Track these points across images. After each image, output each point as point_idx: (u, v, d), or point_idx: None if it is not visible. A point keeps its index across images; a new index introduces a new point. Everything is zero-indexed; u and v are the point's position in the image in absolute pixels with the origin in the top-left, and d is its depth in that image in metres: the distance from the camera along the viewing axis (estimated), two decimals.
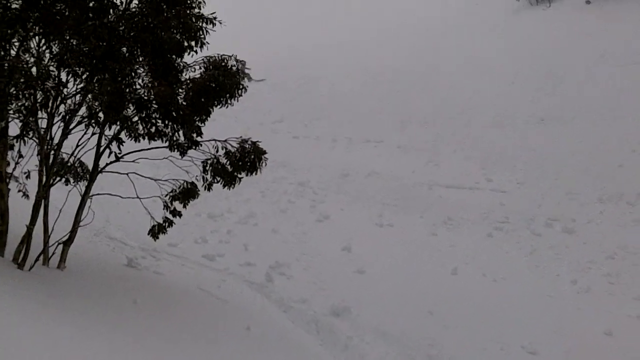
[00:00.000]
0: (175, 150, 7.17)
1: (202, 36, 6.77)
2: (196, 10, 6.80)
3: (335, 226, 12.15)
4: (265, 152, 7.25)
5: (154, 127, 6.79)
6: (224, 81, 6.85)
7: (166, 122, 6.86)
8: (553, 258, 10.82)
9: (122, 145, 6.96)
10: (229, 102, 7.03)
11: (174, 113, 6.73)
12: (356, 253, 10.86)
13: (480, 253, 11.06)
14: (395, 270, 10.35)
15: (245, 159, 7.18)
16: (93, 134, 6.98)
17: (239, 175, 7.32)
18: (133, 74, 6.64)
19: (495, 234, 11.86)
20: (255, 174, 7.34)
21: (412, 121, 20.57)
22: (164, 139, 6.99)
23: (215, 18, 6.86)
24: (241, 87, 7.02)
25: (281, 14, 36.61)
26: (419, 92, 23.83)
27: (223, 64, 6.91)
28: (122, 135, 7.01)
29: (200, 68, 6.98)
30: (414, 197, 13.99)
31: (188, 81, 6.89)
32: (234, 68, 6.99)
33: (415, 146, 18.12)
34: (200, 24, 6.75)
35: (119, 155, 7.01)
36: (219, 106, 7.10)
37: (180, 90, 6.83)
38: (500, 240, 11.63)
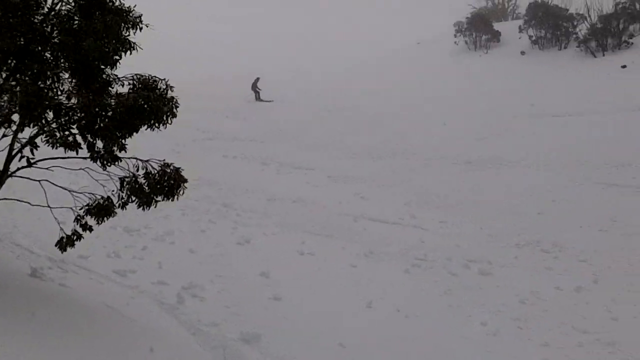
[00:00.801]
0: (97, 162, 6.93)
1: (129, 47, 6.59)
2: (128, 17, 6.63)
3: (255, 250, 11.99)
4: (186, 180, 7.09)
5: (71, 137, 6.51)
6: (159, 105, 6.66)
7: (87, 133, 6.61)
8: (467, 299, 10.92)
9: (36, 150, 6.67)
10: (158, 127, 6.84)
11: (98, 125, 6.50)
12: (274, 279, 10.73)
13: (396, 288, 11.07)
14: (312, 300, 10.26)
15: (164, 183, 7.00)
16: (4, 135, 6.68)
17: (156, 199, 7.13)
18: (55, 77, 6.40)
19: (412, 270, 11.94)
20: (172, 200, 7.17)
21: (345, 153, 20.79)
22: (85, 149, 6.74)
23: (141, 21, 6.69)
24: (174, 115, 6.87)
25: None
26: (356, 127, 24.20)
27: (153, 85, 6.73)
28: (39, 140, 6.73)
29: (129, 84, 6.79)
30: (338, 227, 13.99)
31: (116, 95, 6.67)
32: (165, 91, 6.83)
33: (345, 177, 18.25)
34: (127, 34, 6.57)
35: (32, 161, 6.72)
36: (145, 127, 6.91)
37: (110, 102, 6.60)
38: (417, 276, 11.70)
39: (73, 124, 6.49)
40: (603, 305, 10.81)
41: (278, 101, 30.42)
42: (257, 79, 31.94)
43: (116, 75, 6.83)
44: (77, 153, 6.56)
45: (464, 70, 32.62)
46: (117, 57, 6.67)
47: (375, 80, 31.77)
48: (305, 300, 10.19)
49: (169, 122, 6.83)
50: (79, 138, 6.57)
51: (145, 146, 7.73)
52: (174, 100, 6.81)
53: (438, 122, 24.75)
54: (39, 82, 6.23)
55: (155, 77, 6.85)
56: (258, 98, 31.46)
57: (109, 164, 6.90)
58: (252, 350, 8.29)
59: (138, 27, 6.72)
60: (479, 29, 36.14)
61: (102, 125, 6.47)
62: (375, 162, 20.00)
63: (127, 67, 7.09)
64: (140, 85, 6.74)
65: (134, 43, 6.68)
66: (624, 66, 27.02)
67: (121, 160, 6.95)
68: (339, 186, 17.47)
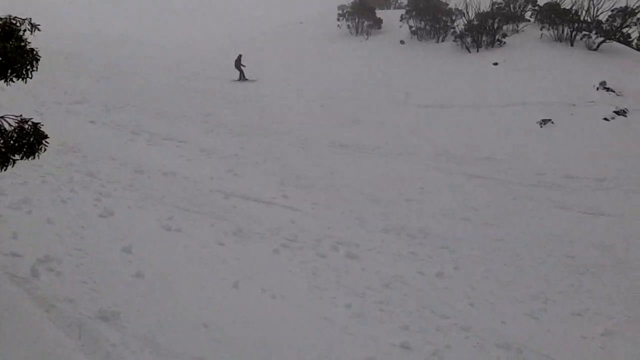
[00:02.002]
0: None
1: None
2: None
3: (118, 224, 11.45)
4: (46, 137, 6.60)
5: None
6: (15, 57, 6.10)
7: None
8: (333, 281, 11.04)
9: None
10: (15, 80, 6.29)
11: None
12: (137, 255, 10.29)
13: (264, 268, 10.99)
14: (176, 278, 9.94)
15: (22, 141, 6.48)
16: None
17: (13, 158, 6.59)
18: None
19: (282, 250, 11.91)
20: (33, 158, 6.66)
21: (220, 128, 20.42)
22: None
23: None
24: (34, 67, 6.33)
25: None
26: (228, 102, 23.85)
27: (9, 29, 6.15)
28: None
29: None
30: (208, 203, 13.69)
31: None
32: (25, 41, 6.27)
33: (218, 153, 17.92)
34: None
35: None
36: (2, 80, 6.34)
37: None
38: (285, 257, 11.68)
39: None
40: (462, 291, 11.31)
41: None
42: (240, 55, 29.49)
43: None
44: None
45: (343, 55, 32.93)
46: None
47: (252, 57, 31.44)
48: (169, 278, 9.86)
49: (29, 75, 6.30)
50: None
51: (7, 105, 7.12)
52: (35, 52, 6.27)
53: (315, 104, 24.88)
54: None
55: (15, 18, 6.28)
56: (242, 77, 29.22)
57: None
58: (110, 329, 7.91)
59: None
60: (362, 15, 36.56)
61: None
62: (249, 140, 19.78)
63: None
64: (1, 33, 6.16)
65: None
66: (495, 63, 28.30)
67: None
68: (211, 161, 17.12)
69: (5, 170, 6.71)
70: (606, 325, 10.74)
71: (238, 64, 29.23)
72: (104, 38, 32.12)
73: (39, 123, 6.62)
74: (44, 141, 6.59)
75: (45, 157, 6.71)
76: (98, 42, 31.46)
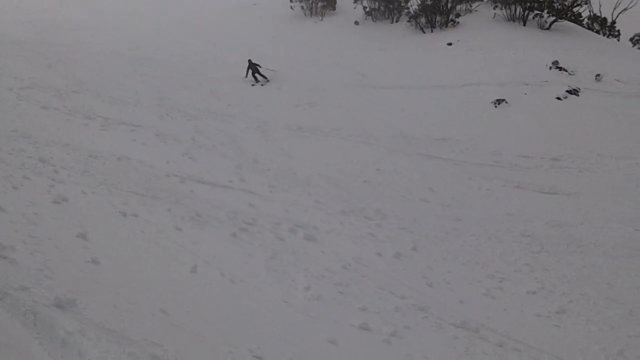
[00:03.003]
0: None
1: None
2: None
3: (73, 210, 11.24)
4: None
5: None
6: None
7: None
8: (292, 263, 11.07)
9: None
10: None
11: None
12: (92, 241, 10.13)
13: (222, 252, 10.96)
14: (133, 263, 9.84)
15: None
16: None
17: None
18: None
19: (240, 234, 11.87)
20: None
21: (174, 112, 20.18)
22: None
23: None
24: None
25: None
26: (182, 86, 23.56)
27: None
28: None
29: None
30: (164, 188, 13.55)
31: None
32: None
33: (173, 136, 17.73)
34: None
35: None
36: None
37: None
38: (244, 241, 11.65)
39: None
40: (420, 272, 11.46)
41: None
42: (250, 61, 25.76)
43: None
44: None
45: (298, 36, 32.75)
46: None
47: (201, 38, 31.08)
48: (126, 264, 9.76)
49: None
50: None
51: None
52: None
53: (269, 86, 24.74)
54: None
55: None
56: (261, 77, 25.75)
57: None
58: (67, 316, 7.78)
59: None
60: None
61: None
62: (204, 123, 19.59)
63: None
64: None
65: None
66: (449, 43, 28.48)
67: None
68: (167, 145, 16.93)
69: None
70: (561, 302, 11.02)
71: (254, 69, 25.60)
72: (57, 26, 31.27)
73: None
74: None
75: None
76: (51, 30, 30.63)
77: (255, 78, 25.59)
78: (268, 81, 25.58)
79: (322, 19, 35.64)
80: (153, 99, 21.47)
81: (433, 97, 23.07)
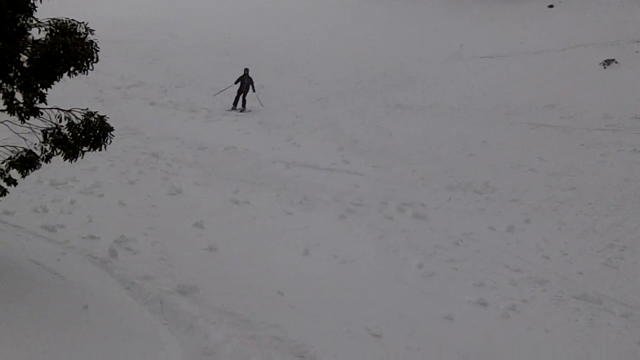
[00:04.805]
0: (14, 114, 6.48)
1: None
2: None
3: (187, 201, 11.71)
4: (112, 129, 6.74)
5: None
6: (76, 50, 6.21)
7: (2, 82, 6.14)
8: (402, 242, 11.03)
9: None
10: (78, 72, 6.40)
11: (14, 73, 6.04)
12: (208, 230, 10.51)
13: (332, 234, 11.06)
14: (248, 249, 10.13)
15: (89, 133, 6.63)
16: None
17: (82, 149, 6.76)
18: None
19: (348, 215, 11.94)
20: (99, 150, 6.81)
21: (272, 99, 20.44)
22: (2, 101, 6.28)
23: None
24: (94, 59, 6.42)
25: None
26: (277, 72, 23.78)
27: (71, 29, 6.27)
28: None
29: (45, 30, 6.30)
30: (271, 174, 13.82)
31: (32, 42, 6.19)
32: (83, 35, 6.37)
33: (275, 124, 17.99)
34: None
35: None
36: (65, 74, 6.46)
37: (24, 50, 6.13)
38: (352, 222, 11.71)
39: None
40: (535, 244, 11.14)
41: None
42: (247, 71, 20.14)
43: (33, 21, 6.31)
44: None
45: (382, 13, 32.32)
46: (33, 3, 6.15)
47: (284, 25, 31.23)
48: (241, 250, 10.06)
49: (90, 67, 6.41)
50: None
51: (69, 95, 7.32)
52: (94, 44, 6.37)
53: (357, 70, 24.42)
54: None
55: (73, 20, 6.39)
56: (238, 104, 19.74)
57: (27, 117, 6.47)
58: (190, 302, 8.12)
59: None
60: None
61: (18, 73, 6.02)
62: (303, 109, 19.74)
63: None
64: (57, 31, 6.27)
65: None
66: (551, 6, 27.42)
67: (42, 113, 6.53)
68: (270, 132, 17.21)
69: (75, 160, 6.89)
70: None
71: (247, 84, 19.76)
72: (143, 24, 32.28)
73: (105, 116, 6.75)
74: (109, 133, 6.73)
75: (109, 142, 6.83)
76: (139, 28, 31.65)
77: (237, 100, 19.37)
78: (249, 111, 19.24)
79: None
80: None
81: (535, 63, 22.27)
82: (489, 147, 16.15)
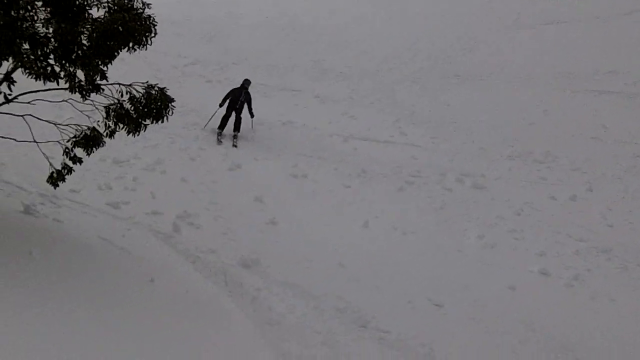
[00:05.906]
0: (76, 92, 6.64)
1: None
2: None
3: (247, 176, 11.87)
4: (173, 100, 6.84)
5: (49, 67, 6.18)
6: (134, 25, 6.31)
7: (65, 62, 6.29)
8: (462, 213, 10.97)
9: (13, 86, 6.33)
10: (137, 48, 6.51)
11: (75, 54, 6.19)
12: (268, 204, 10.66)
13: (391, 206, 11.07)
14: (308, 222, 10.25)
15: (151, 106, 6.74)
16: None
17: (144, 122, 6.90)
18: (29, 7, 6.04)
19: (406, 187, 11.91)
20: (162, 121, 6.93)
21: (328, 73, 20.38)
22: (64, 80, 6.43)
23: None
24: (152, 33, 6.52)
25: None
26: (333, 47, 23.64)
27: (129, 4, 6.37)
28: (17, 74, 6.39)
29: (104, 7, 6.42)
30: (329, 148, 13.85)
31: (91, 21, 6.31)
32: (141, 10, 6.46)
33: (331, 97, 17.96)
34: None
35: (10, 97, 6.40)
36: (125, 50, 6.57)
37: (83, 30, 6.26)
38: (411, 194, 11.69)
39: (49, 54, 6.17)
40: (598, 213, 10.92)
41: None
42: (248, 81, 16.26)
43: None
44: (57, 84, 6.28)
45: None
46: None
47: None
48: (301, 223, 10.18)
49: (149, 42, 6.50)
50: (57, 68, 6.26)
51: (127, 73, 7.46)
52: (151, 18, 6.45)
53: (421, 40, 24.15)
54: (12, 12, 5.88)
55: None
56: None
57: (88, 94, 6.62)
58: (252, 275, 8.30)
59: None
60: None
61: (79, 53, 6.17)
62: (359, 81, 19.63)
63: None
64: (115, 7, 6.39)
65: None
66: None
67: (103, 90, 6.68)
68: (327, 106, 17.18)
69: (138, 134, 7.04)
70: None
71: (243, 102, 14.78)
72: (201, 2, 32.50)
73: (165, 87, 6.87)
74: (170, 104, 6.84)
75: (170, 119, 6.96)
76: (197, 7, 31.89)
77: (225, 122, 14.19)
78: (235, 145, 13.74)
79: None
80: (307, 62, 21.82)
81: (596, 29, 21.56)
82: (550, 116, 15.79)
